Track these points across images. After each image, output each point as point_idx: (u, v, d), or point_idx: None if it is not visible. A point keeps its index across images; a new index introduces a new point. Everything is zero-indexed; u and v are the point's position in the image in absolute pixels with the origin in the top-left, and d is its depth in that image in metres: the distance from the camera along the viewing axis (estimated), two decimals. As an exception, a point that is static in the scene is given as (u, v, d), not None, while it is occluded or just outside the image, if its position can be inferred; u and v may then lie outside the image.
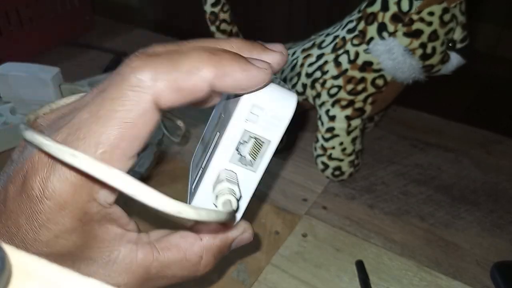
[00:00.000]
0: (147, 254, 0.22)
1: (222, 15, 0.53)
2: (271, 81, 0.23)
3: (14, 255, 0.12)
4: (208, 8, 0.52)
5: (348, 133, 0.47)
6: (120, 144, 0.19)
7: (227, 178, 0.23)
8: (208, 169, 0.24)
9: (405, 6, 0.41)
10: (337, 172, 0.49)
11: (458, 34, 0.43)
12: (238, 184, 0.23)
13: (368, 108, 0.47)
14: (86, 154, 0.18)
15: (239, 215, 0.25)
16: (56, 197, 0.20)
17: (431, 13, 0.40)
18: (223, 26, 0.54)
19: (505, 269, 0.40)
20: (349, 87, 0.46)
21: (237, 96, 0.23)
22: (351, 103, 0.46)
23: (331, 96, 0.47)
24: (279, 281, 0.39)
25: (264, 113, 0.22)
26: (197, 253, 0.24)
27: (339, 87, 0.46)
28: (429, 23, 0.41)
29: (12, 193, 0.20)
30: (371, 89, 0.46)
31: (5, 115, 0.53)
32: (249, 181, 0.24)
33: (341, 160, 0.48)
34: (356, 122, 0.47)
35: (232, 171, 0.24)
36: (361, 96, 0.46)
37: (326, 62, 0.47)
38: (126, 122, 0.19)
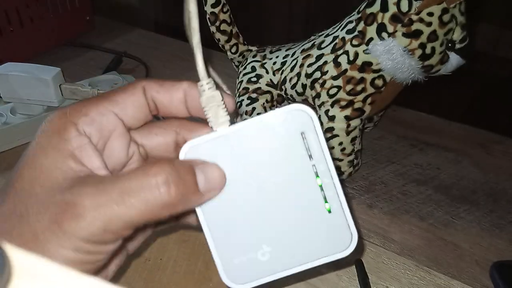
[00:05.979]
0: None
1: (222, 16, 0.53)
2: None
3: (14, 255, 0.12)
4: (208, 8, 0.53)
5: (348, 133, 0.47)
6: None
7: None
8: None
9: (404, 6, 0.41)
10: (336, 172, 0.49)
11: (457, 35, 0.43)
12: None
13: (367, 108, 0.47)
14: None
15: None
16: None
17: (430, 14, 0.40)
18: (223, 26, 0.54)
19: (504, 269, 0.40)
20: (349, 87, 0.46)
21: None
22: (350, 103, 0.46)
23: (331, 96, 0.47)
24: (279, 280, 0.39)
25: None
26: (152, 167, 0.22)
27: (339, 88, 0.46)
28: (429, 24, 0.41)
29: None
30: (370, 90, 0.46)
31: (5, 115, 0.53)
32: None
33: (341, 160, 0.48)
34: (355, 122, 0.47)
35: None
36: (361, 97, 0.46)
37: (325, 63, 0.47)
38: None
